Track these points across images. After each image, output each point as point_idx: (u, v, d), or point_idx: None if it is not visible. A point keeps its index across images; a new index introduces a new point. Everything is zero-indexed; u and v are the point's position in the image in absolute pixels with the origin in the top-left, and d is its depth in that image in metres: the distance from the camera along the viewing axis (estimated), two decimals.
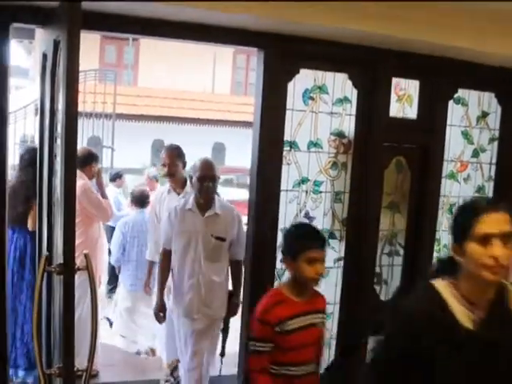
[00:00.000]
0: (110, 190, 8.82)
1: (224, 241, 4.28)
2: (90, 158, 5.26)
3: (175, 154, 5.06)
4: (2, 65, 3.44)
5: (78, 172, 4.68)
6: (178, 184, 5.07)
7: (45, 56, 3.42)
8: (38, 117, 3.75)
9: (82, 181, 4.86)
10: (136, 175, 14.16)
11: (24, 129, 15.37)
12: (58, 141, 2.96)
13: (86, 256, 2.93)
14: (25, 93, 16.99)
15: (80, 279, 3.03)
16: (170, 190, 5.12)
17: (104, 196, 5.31)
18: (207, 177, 4.21)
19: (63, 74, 2.64)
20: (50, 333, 3.32)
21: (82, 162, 5.02)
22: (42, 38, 3.67)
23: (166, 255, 4.41)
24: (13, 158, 5.76)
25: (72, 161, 2.64)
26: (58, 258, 2.84)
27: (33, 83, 18.80)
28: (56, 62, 3.01)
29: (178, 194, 5.00)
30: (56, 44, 2.95)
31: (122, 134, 14.85)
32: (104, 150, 13.40)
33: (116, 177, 9.51)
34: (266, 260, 4.22)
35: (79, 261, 2.90)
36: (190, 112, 19.35)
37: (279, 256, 4.24)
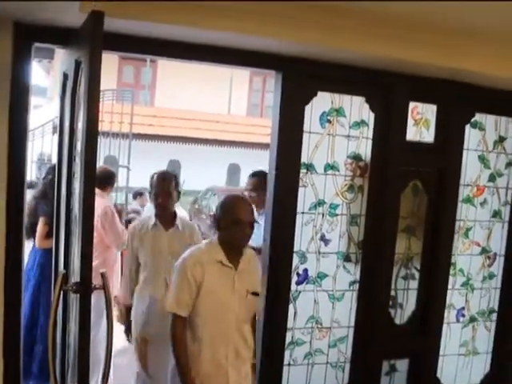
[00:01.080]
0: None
1: (258, 296, 3.63)
2: (110, 181, 5.31)
3: (171, 183, 4.48)
4: (25, 84, 3.48)
5: (99, 191, 4.74)
6: (169, 219, 4.48)
7: (65, 75, 3.47)
8: (57, 135, 3.79)
9: (104, 200, 4.91)
10: None
11: (41, 147, 15.52)
12: (77, 159, 2.99)
13: (102, 275, 2.94)
14: (43, 111, 17.20)
15: (96, 299, 3.04)
16: (157, 223, 4.46)
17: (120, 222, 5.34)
18: (248, 223, 3.46)
19: (84, 94, 2.68)
20: (65, 351, 3.32)
21: (103, 182, 5.06)
22: (63, 57, 3.71)
23: (182, 324, 3.46)
24: (29, 176, 5.84)
25: (91, 180, 2.66)
26: (75, 276, 2.86)
27: (51, 102, 19.04)
28: (77, 81, 3.05)
29: (166, 231, 4.44)
30: (77, 64, 2.99)
31: (138, 154, 14.92)
32: (120, 170, 13.46)
33: (137, 194, 9.64)
34: (280, 283, 4.20)
35: (97, 281, 2.92)
36: (205, 133, 19.47)
37: (294, 278, 4.26)
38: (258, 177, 5.15)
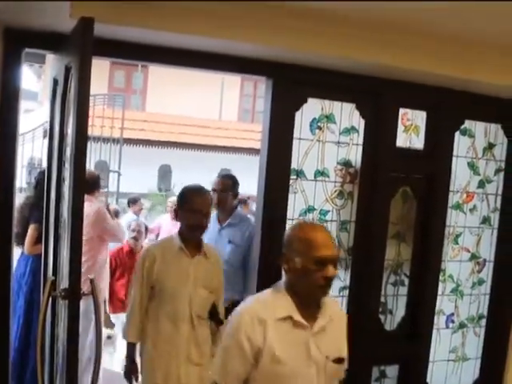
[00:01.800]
0: (128, 216, 8.95)
1: (343, 363, 2.67)
2: (97, 185, 5.31)
3: (210, 202, 3.88)
4: (15, 89, 3.48)
5: (86, 196, 4.73)
6: (196, 244, 3.80)
7: (55, 81, 3.47)
8: (47, 140, 3.79)
9: (96, 204, 4.89)
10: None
11: (32, 151, 15.46)
12: (67, 165, 2.99)
13: (91, 281, 2.94)
14: (33, 116, 17.14)
15: (85, 304, 3.04)
16: (183, 248, 3.72)
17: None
18: (332, 261, 2.47)
19: (74, 100, 2.68)
20: (54, 357, 3.31)
21: (90, 187, 5.05)
22: (53, 63, 3.71)
23: None
24: (20, 181, 5.81)
25: (80, 185, 2.66)
26: (64, 282, 2.85)
27: (42, 106, 18.99)
28: (67, 87, 3.05)
29: (192, 257, 3.73)
30: (67, 70, 2.99)
31: (129, 159, 14.91)
32: (111, 175, 13.44)
33: (131, 201, 9.56)
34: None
35: (86, 286, 2.91)
36: (196, 138, 19.45)
37: None
38: (228, 178, 5.14)
